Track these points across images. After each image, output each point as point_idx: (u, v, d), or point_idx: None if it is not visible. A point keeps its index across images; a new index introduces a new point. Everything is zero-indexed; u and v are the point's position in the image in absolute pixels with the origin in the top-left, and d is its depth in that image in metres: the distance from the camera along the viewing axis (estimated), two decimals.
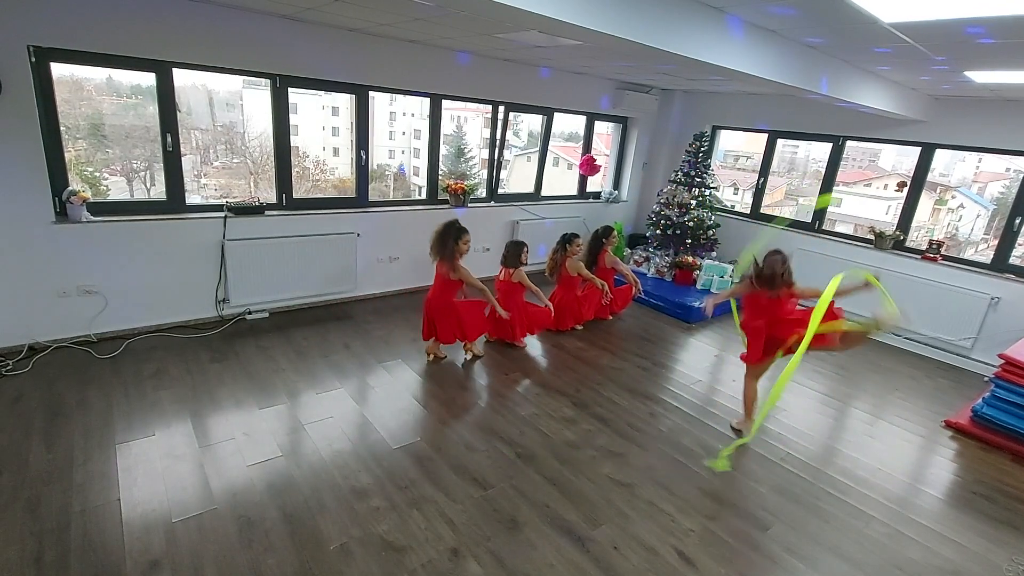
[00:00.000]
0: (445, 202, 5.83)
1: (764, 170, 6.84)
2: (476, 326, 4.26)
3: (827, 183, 6.29)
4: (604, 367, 4.43)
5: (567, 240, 4.93)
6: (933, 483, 3.33)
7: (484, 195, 6.26)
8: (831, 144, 6.19)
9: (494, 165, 6.18)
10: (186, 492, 2.62)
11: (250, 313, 4.66)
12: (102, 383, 3.47)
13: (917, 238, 6.05)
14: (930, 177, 5.76)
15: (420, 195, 5.97)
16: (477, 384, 3.98)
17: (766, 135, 6.75)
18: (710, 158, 6.75)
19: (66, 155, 3.82)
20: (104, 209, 3.97)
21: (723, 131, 7.34)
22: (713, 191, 6.63)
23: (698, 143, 6.50)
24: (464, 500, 2.74)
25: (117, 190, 6.31)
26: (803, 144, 9.54)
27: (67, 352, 3.80)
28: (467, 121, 13.14)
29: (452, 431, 3.35)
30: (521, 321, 4.57)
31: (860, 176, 11.61)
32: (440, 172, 5.85)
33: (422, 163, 5.81)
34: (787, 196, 10.85)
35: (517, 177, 10.99)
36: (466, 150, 12.56)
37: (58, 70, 3.63)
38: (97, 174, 5.69)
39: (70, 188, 3.77)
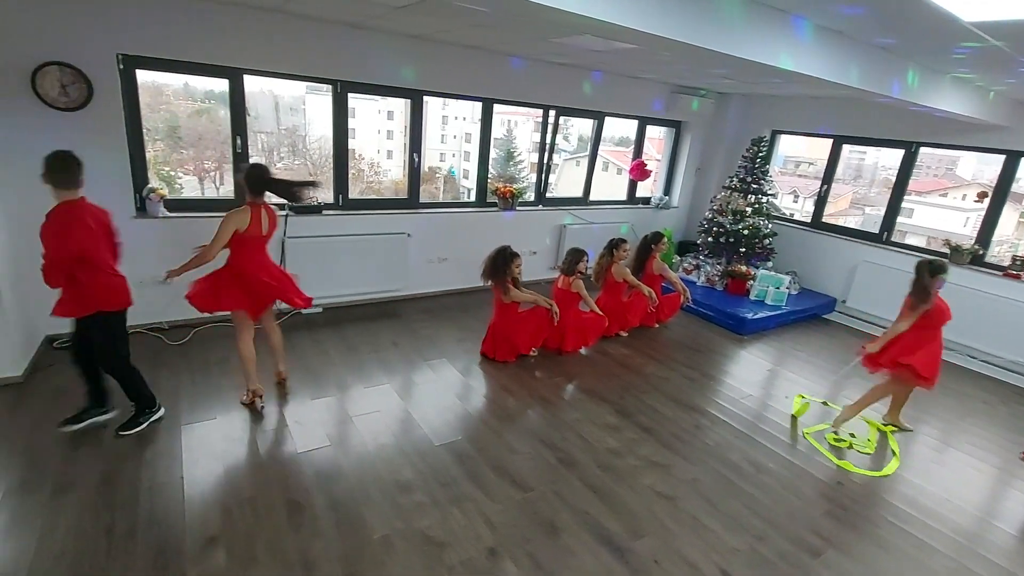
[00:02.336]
0: (494, 205, 5.88)
1: (828, 177, 6.53)
2: (532, 342, 4.41)
3: (898, 192, 5.93)
4: (649, 375, 4.35)
5: (614, 245, 4.88)
6: (1007, 518, 3.07)
7: (532, 199, 6.29)
8: (903, 151, 5.83)
9: (543, 169, 6.19)
10: (242, 474, 2.76)
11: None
12: (172, 367, 3.72)
13: (999, 253, 5.61)
14: (1015, 187, 5.33)
15: (469, 198, 6.06)
16: (520, 386, 3.99)
17: (831, 140, 6.44)
18: (768, 163, 6.50)
19: (147, 155, 4.13)
20: (178, 206, 4.25)
21: (783, 136, 7.05)
22: (771, 198, 6.37)
23: (756, 148, 6.27)
24: (504, 501, 2.75)
25: (189, 188, 6.76)
26: (871, 150, 9.00)
27: (141, 337, 4.08)
28: (517, 125, 13.20)
29: (494, 432, 3.37)
30: (575, 330, 4.53)
31: (935, 185, 10.85)
32: (489, 175, 5.91)
33: (472, 166, 5.90)
34: (853, 205, 10.27)
35: (566, 181, 10.95)
36: (515, 153, 12.63)
37: (142, 76, 3.92)
38: (172, 173, 6.10)
39: (149, 186, 4.07)
